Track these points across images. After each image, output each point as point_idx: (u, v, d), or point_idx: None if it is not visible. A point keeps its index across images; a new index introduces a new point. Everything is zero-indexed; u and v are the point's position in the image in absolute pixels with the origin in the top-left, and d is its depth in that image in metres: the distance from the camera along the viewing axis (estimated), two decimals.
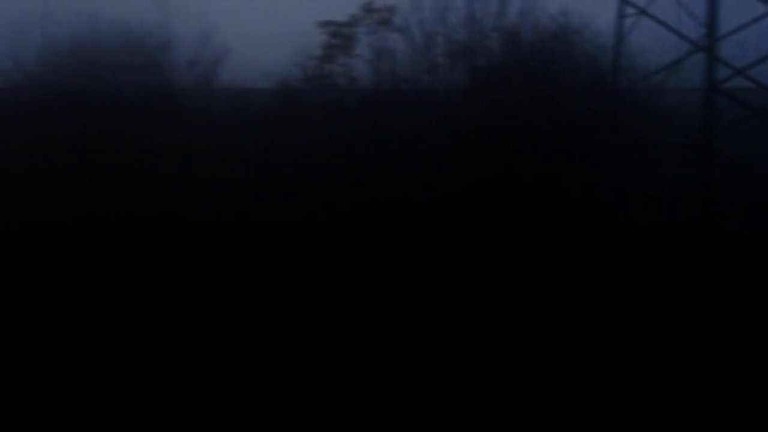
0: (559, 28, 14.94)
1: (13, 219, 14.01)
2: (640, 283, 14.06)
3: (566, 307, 13.58)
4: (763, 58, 16.20)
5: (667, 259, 14.40)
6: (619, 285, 14.01)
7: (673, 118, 16.12)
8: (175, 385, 12.65)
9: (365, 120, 14.87)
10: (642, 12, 16.84)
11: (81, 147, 14.49)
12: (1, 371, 12.80)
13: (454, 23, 14.73)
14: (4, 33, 14.60)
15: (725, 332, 13.41)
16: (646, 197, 15.28)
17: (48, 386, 12.58)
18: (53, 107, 14.71)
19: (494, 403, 12.39)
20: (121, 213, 14.28)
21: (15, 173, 14.29)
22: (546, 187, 14.62)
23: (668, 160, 16.18)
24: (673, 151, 16.17)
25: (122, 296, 13.65)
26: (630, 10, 16.84)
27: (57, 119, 14.60)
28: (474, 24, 14.70)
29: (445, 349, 13.11)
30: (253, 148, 14.86)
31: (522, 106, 14.83)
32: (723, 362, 12.92)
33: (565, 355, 12.91)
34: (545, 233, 14.42)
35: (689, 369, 12.88)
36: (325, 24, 15.07)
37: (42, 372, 12.81)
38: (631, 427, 12.15)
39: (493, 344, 13.16)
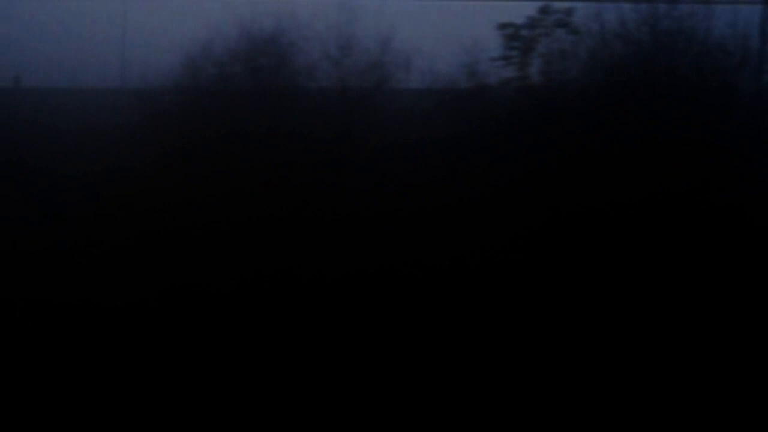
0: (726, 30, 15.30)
1: (197, 217, 14.26)
2: None
3: None
4: None
5: None
6: None
7: None
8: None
9: (538, 120, 15.13)
10: None
11: (262, 146, 14.78)
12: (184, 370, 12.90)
13: (630, 24, 15.03)
14: (198, 34, 14.91)
15: None
16: None
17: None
18: (237, 106, 15.03)
19: None
20: (300, 210, 14.53)
21: (201, 172, 14.54)
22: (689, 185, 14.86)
23: None
24: None
25: (303, 292, 13.82)
26: None
27: (240, 118, 14.91)
28: (650, 25, 15.01)
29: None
30: (426, 147, 15.11)
31: (687, 106, 15.11)
32: None
33: None
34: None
35: None
36: (504, 26, 15.36)
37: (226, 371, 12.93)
38: None
39: None
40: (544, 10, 15.29)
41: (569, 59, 15.09)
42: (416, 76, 15.33)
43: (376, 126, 15.14)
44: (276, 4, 14.99)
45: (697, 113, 15.01)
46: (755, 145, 15.21)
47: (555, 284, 14.06)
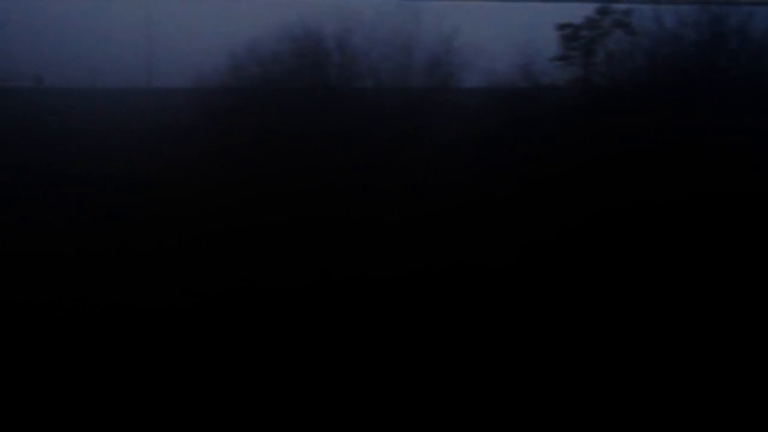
0: None
1: (236, 218, 14.30)
2: None
3: None
4: None
5: None
6: None
7: None
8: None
9: (596, 118, 15.28)
10: None
11: (311, 146, 14.89)
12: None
13: (688, 25, 15.20)
14: (238, 34, 15.03)
15: None
16: None
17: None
18: (287, 105, 15.14)
19: None
20: (360, 209, 14.65)
21: (239, 172, 14.58)
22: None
23: None
24: None
25: (343, 294, 13.89)
26: None
27: (290, 117, 15.03)
28: (708, 26, 15.17)
29: None
30: (484, 145, 15.23)
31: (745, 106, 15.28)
32: None
33: None
34: None
35: None
36: (563, 26, 15.51)
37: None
38: None
39: None
40: (602, 11, 15.44)
41: (628, 59, 15.24)
42: (476, 76, 15.50)
43: (436, 125, 15.30)
44: (339, 5, 15.17)
45: (754, 113, 15.17)
46: None
47: (617, 273, 14.21)
